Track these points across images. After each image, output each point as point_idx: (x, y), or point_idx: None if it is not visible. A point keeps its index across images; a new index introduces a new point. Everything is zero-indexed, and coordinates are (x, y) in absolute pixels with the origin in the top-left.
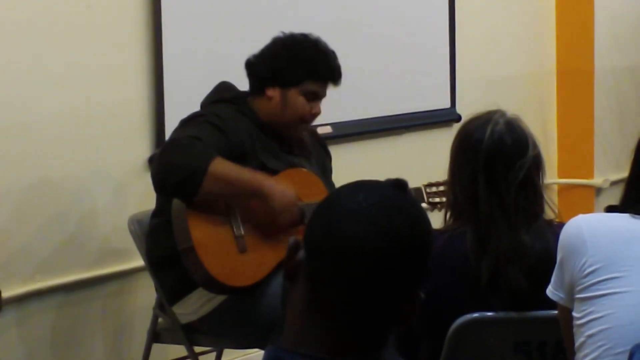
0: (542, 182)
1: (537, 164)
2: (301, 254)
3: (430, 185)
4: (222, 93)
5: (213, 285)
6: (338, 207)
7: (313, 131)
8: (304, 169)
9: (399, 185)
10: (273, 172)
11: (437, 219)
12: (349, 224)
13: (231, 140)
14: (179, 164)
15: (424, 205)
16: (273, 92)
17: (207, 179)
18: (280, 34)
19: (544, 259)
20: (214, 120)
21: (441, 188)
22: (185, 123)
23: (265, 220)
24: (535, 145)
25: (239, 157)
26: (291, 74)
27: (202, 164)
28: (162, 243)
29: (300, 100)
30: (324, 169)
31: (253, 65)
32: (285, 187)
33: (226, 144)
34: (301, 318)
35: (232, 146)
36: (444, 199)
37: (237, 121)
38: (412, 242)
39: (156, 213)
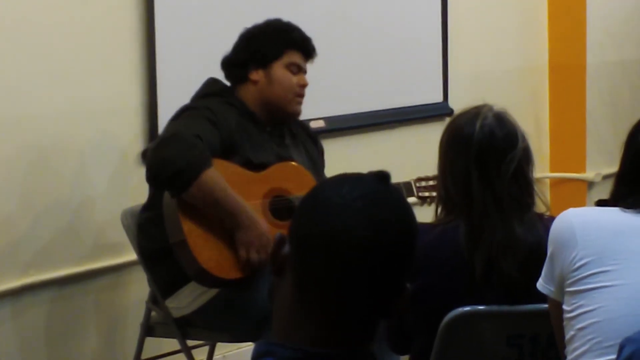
0: (532, 174)
1: (527, 155)
2: (287, 248)
3: (420, 179)
4: (210, 87)
5: (205, 278)
6: (323, 200)
7: (305, 125)
8: (293, 163)
9: (381, 177)
10: (261, 166)
11: (426, 213)
12: (335, 217)
13: (222, 134)
14: (176, 158)
15: (413, 199)
16: (257, 75)
17: (196, 184)
18: (244, 28)
19: (535, 251)
20: (208, 114)
21: (431, 182)
22: (180, 116)
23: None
24: (524, 138)
25: (228, 150)
26: (270, 49)
27: (197, 167)
28: (154, 236)
29: (285, 73)
30: (314, 162)
31: (229, 59)
32: (263, 230)
33: (218, 138)
34: (289, 312)
35: (223, 140)
36: (433, 194)
37: (227, 113)
38: (397, 234)
39: (147, 206)
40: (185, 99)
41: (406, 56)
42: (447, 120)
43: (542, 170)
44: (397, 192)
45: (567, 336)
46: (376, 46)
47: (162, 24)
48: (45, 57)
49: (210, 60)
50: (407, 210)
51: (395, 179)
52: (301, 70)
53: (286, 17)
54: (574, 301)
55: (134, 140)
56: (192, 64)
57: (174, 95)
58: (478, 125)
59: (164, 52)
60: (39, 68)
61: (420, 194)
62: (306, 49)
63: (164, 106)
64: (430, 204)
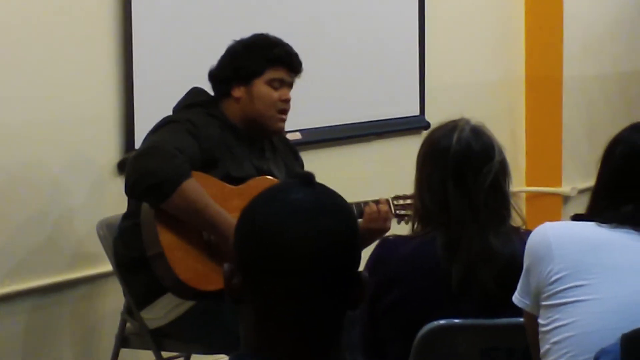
0: (509, 186)
1: (503, 168)
2: (237, 278)
3: (397, 197)
4: (194, 97)
5: (183, 290)
6: (259, 223)
7: (285, 138)
8: (270, 178)
9: (305, 181)
10: (240, 180)
11: (403, 232)
12: (274, 236)
13: (203, 147)
14: (155, 169)
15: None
16: (239, 92)
17: (177, 194)
18: (232, 41)
19: (511, 263)
20: (189, 127)
21: (408, 201)
22: (161, 127)
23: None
24: (500, 151)
25: (209, 163)
26: (251, 66)
27: (177, 177)
28: (132, 245)
29: (266, 90)
30: None
31: (214, 73)
32: None
33: (199, 151)
34: (255, 331)
35: (203, 153)
36: (410, 212)
37: (209, 126)
38: (340, 233)
39: (127, 215)
40: (162, 109)
41: (383, 69)
42: (424, 133)
43: (518, 184)
44: (325, 193)
45: (543, 350)
46: (353, 59)
47: (139, 34)
48: (20, 66)
49: (187, 69)
50: (341, 207)
51: (371, 191)
52: (284, 85)
53: (262, 29)
54: (549, 315)
55: (110, 150)
56: (169, 74)
57: (151, 106)
58: (455, 138)
59: (141, 61)
60: (15, 77)
61: (397, 212)
62: (290, 64)
63: (140, 116)
64: (407, 222)
